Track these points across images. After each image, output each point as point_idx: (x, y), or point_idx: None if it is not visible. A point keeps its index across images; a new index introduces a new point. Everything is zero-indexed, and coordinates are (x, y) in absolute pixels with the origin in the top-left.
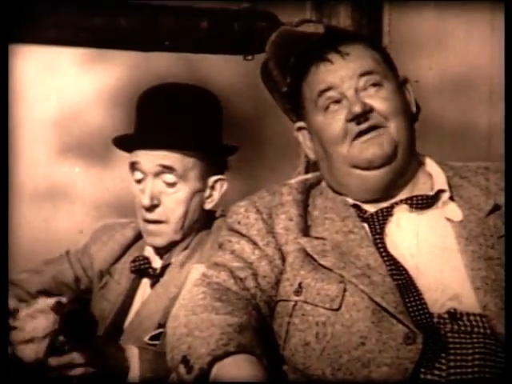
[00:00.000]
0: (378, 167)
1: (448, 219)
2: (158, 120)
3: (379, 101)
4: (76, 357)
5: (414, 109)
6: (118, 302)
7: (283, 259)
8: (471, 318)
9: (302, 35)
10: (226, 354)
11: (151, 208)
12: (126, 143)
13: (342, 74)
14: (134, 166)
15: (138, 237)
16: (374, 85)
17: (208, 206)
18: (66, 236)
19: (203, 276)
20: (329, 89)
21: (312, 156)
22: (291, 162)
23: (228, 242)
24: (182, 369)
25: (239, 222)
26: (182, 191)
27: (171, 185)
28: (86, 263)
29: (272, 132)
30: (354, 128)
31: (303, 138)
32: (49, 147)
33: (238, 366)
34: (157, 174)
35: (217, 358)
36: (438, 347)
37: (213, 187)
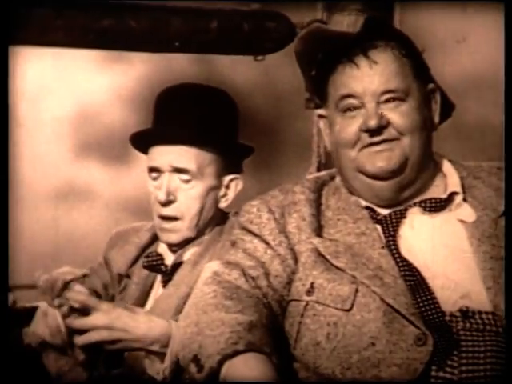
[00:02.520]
0: (384, 179)
1: (461, 220)
2: (175, 116)
3: (398, 116)
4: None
5: (436, 119)
6: (133, 300)
7: (295, 259)
8: (483, 316)
9: (332, 34)
10: (236, 353)
11: (167, 203)
12: (143, 138)
13: (365, 85)
14: (152, 167)
15: (154, 238)
16: (396, 100)
17: (222, 204)
18: (81, 235)
19: (214, 274)
20: (350, 96)
21: (328, 147)
22: (306, 162)
23: (241, 240)
24: (193, 368)
25: (251, 222)
26: (198, 187)
27: (187, 181)
28: (109, 270)
29: (286, 132)
30: (367, 139)
31: (324, 125)
32: (66, 148)
33: (247, 364)
34: (172, 171)
35: (226, 357)
36: (450, 345)
37: (228, 186)
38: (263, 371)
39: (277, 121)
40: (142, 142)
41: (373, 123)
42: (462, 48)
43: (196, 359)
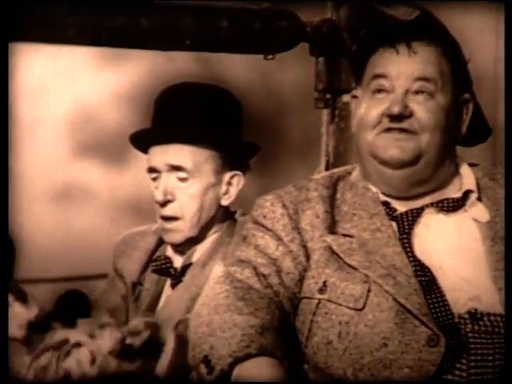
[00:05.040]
0: (394, 168)
1: (475, 220)
2: (170, 114)
3: (423, 110)
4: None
5: (463, 129)
6: (145, 306)
7: (307, 256)
8: (492, 318)
9: (384, 14)
10: (248, 356)
11: (165, 204)
12: (141, 138)
13: (400, 70)
14: (150, 167)
15: (161, 241)
16: (426, 93)
17: (225, 202)
18: (79, 235)
19: (226, 273)
20: (383, 76)
21: (353, 129)
22: (308, 161)
23: (252, 236)
24: (203, 368)
25: (265, 216)
26: (196, 185)
27: (184, 180)
28: (123, 281)
29: (289, 131)
30: (386, 123)
31: (354, 107)
32: (65, 147)
33: (258, 368)
34: (169, 170)
35: (238, 360)
36: (459, 348)
37: (229, 183)
38: (275, 376)
39: (282, 120)
40: (141, 142)
41: (395, 110)
42: (462, 48)
43: (207, 360)
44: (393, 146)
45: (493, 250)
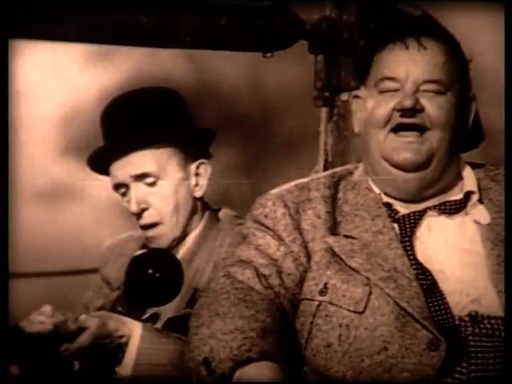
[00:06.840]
0: (407, 171)
1: (476, 222)
2: (120, 126)
3: (434, 106)
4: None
5: (468, 128)
6: None
7: (308, 257)
8: (492, 321)
9: (394, 8)
10: (249, 361)
11: (141, 213)
12: (98, 158)
13: (409, 69)
14: (116, 184)
15: (145, 246)
16: (435, 91)
17: (198, 193)
18: (70, 236)
19: (227, 274)
20: (391, 79)
21: (356, 129)
22: (306, 160)
23: (253, 235)
24: (202, 370)
25: (266, 216)
26: (166, 186)
27: (152, 184)
28: (110, 288)
29: (287, 129)
30: (397, 119)
31: (356, 107)
32: (54, 146)
33: (259, 373)
34: (136, 180)
35: (239, 364)
36: (460, 351)
37: (197, 173)
38: (275, 380)
39: (270, 120)
40: (99, 163)
41: (408, 102)
42: (463, 48)
43: (207, 362)
44: (407, 150)
45: (493, 253)
